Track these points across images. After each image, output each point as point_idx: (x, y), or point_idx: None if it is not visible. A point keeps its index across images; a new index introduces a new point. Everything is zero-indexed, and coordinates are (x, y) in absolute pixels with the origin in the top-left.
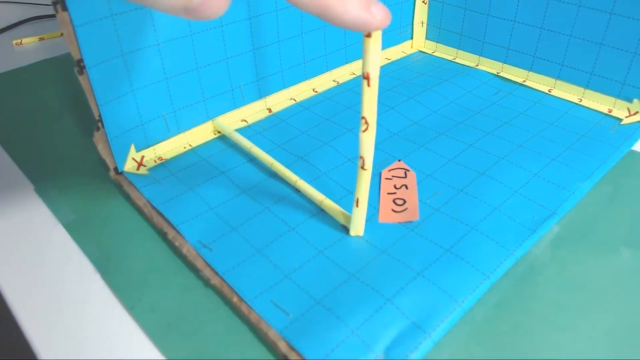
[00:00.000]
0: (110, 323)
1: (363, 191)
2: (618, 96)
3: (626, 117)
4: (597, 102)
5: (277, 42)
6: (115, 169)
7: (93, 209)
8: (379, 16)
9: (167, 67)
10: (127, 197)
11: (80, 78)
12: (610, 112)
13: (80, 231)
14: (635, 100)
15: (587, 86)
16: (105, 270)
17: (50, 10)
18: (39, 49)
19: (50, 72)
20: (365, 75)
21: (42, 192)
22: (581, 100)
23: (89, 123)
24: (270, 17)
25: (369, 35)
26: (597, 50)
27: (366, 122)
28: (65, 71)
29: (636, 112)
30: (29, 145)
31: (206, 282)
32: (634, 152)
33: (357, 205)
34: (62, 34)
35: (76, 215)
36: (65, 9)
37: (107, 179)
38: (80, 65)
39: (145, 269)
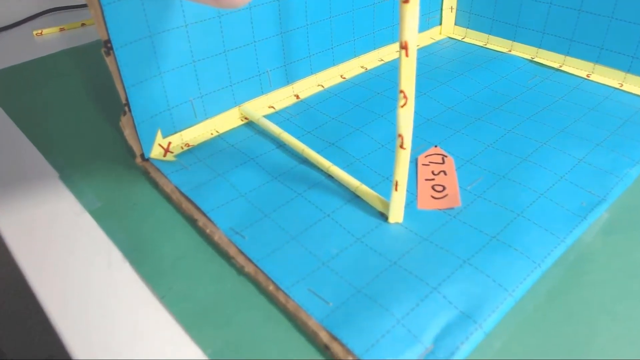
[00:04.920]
0: (141, 313)
1: (402, 173)
2: None
3: None
4: None
5: (305, 25)
6: (142, 156)
7: (119, 196)
8: None
9: (194, 49)
10: (154, 184)
11: (108, 59)
12: None
13: (107, 218)
14: None
15: (628, 70)
16: (134, 258)
17: (70, 2)
18: (60, 39)
19: (70, 63)
20: (403, 44)
21: (67, 179)
22: (622, 85)
23: (112, 112)
24: None
25: (406, 1)
26: (639, 32)
27: (405, 97)
28: (85, 61)
29: None
30: (52, 134)
31: (239, 270)
32: None
33: (396, 189)
34: (82, 24)
35: (102, 202)
36: None
37: (132, 166)
38: (108, 47)
39: (175, 256)
